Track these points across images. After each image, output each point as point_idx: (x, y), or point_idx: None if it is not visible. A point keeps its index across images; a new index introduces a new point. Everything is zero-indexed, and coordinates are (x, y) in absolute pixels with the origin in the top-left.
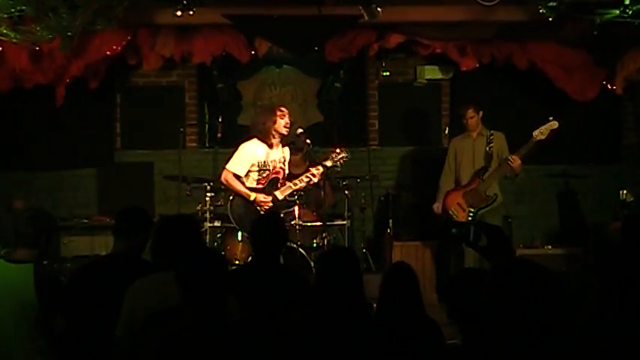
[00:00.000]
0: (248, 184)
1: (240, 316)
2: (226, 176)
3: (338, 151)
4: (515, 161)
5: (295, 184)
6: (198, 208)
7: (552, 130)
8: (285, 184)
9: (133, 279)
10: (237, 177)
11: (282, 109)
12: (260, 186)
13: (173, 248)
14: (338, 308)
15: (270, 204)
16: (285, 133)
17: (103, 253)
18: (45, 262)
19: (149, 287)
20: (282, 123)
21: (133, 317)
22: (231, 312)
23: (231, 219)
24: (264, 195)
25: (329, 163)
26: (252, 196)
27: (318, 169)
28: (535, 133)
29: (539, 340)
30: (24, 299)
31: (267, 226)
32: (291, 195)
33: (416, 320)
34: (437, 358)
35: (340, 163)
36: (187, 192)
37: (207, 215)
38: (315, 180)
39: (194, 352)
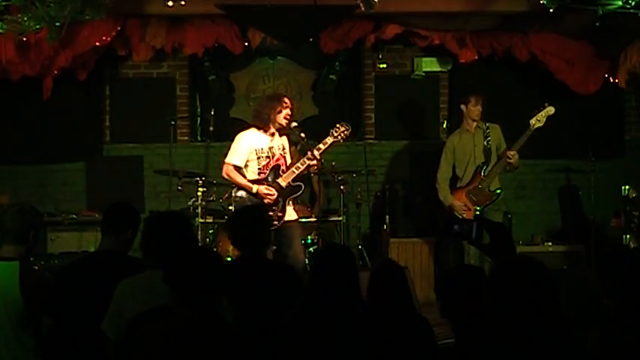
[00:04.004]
0: (249, 175)
1: (233, 316)
2: (227, 170)
3: (338, 125)
4: (514, 156)
5: (298, 168)
6: (190, 203)
7: (549, 117)
8: (286, 172)
9: (120, 277)
10: (238, 168)
11: (287, 100)
12: (262, 175)
13: (163, 245)
14: (334, 306)
15: (275, 193)
16: (285, 124)
17: (92, 249)
18: (32, 259)
19: (139, 286)
20: (283, 114)
21: (121, 316)
22: (223, 312)
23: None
24: (266, 186)
25: (329, 140)
26: (255, 188)
27: (319, 149)
28: (532, 121)
29: (539, 338)
30: (9, 297)
31: (244, 220)
32: (294, 180)
33: (405, 318)
34: (426, 357)
35: (342, 137)
36: (178, 187)
37: (199, 211)
38: (315, 162)
39: (183, 353)
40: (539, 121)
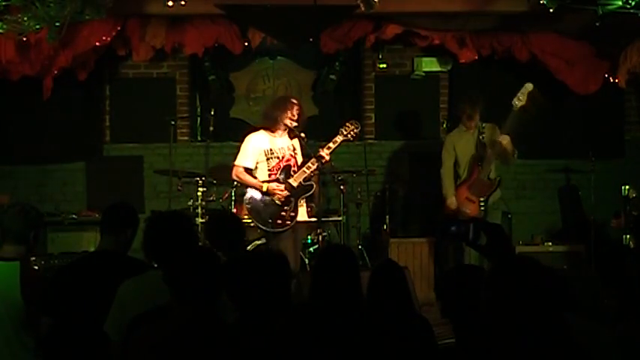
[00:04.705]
0: (259, 176)
1: (235, 316)
2: (237, 172)
3: (348, 124)
4: (505, 138)
5: (309, 168)
6: (190, 203)
7: (531, 94)
8: (297, 172)
9: (120, 277)
10: (249, 170)
11: (295, 102)
12: (273, 176)
13: (165, 245)
14: (335, 306)
15: (286, 192)
16: (290, 125)
17: (92, 249)
18: (32, 259)
19: (141, 287)
20: (288, 115)
21: (124, 317)
22: (224, 312)
23: (249, 213)
24: (276, 183)
25: (339, 138)
26: (265, 186)
27: (330, 147)
28: (514, 101)
29: (538, 339)
30: (10, 297)
31: (216, 227)
32: (305, 180)
33: (405, 318)
34: (426, 357)
35: (352, 135)
36: (178, 187)
37: (199, 211)
38: (327, 159)
39: (183, 352)
40: (520, 100)
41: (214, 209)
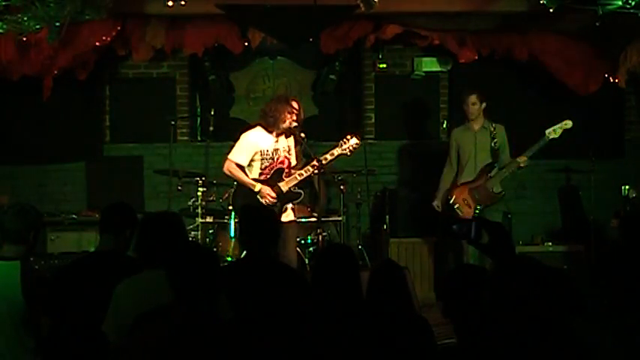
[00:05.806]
0: (252, 175)
1: (231, 315)
2: (229, 166)
3: (348, 137)
4: (525, 162)
5: (301, 175)
6: (190, 203)
7: (565, 130)
8: (290, 175)
9: (119, 277)
10: (241, 167)
11: (295, 105)
12: (264, 176)
13: (158, 246)
14: (335, 306)
15: (275, 196)
16: (289, 127)
17: (92, 249)
18: (32, 259)
19: (137, 286)
20: (288, 118)
21: (121, 317)
22: (222, 310)
23: (234, 210)
24: (269, 188)
25: (337, 151)
26: (258, 187)
27: (326, 159)
28: (548, 131)
29: (540, 338)
30: (10, 297)
31: (255, 220)
32: (296, 186)
33: (404, 318)
34: (426, 357)
35: (351, 150)
36: (178, 187)
37: (199, 211)
38: (323, 170)
39: (184, 352)
40: (555, 132)
41: (250, 205)
